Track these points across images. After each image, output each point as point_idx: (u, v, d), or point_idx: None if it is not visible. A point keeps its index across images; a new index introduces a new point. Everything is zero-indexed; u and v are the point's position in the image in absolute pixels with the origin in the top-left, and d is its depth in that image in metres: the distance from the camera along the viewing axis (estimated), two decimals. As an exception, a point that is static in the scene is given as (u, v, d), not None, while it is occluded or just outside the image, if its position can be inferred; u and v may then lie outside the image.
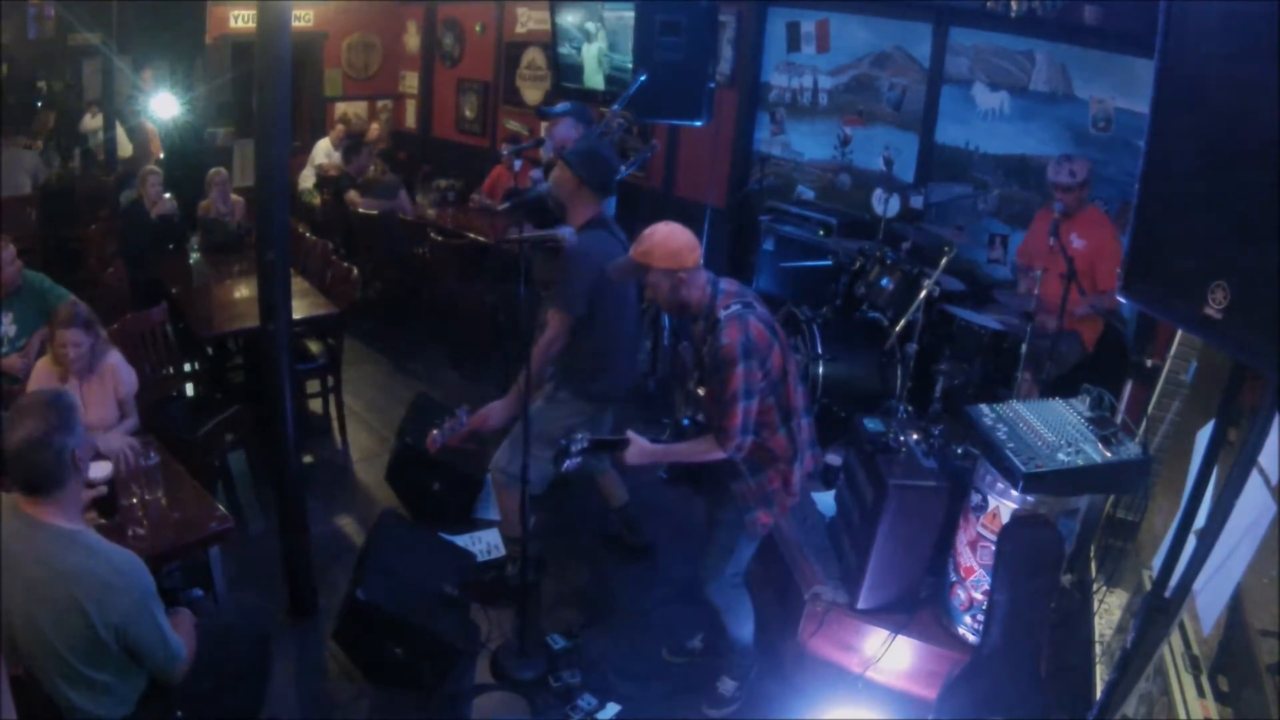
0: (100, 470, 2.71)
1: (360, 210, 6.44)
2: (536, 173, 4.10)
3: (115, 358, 3.43)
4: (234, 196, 5.82)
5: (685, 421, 2.84)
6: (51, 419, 1.99)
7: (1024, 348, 3.59)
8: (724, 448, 2.60)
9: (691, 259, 2.60)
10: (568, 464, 2.66)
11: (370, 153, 7.22)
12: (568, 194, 3.24)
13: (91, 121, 7.85)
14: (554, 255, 3.23)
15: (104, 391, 3.32)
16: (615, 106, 4.37)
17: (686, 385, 2.85)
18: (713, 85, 4.90)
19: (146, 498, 2.85)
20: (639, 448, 2.67)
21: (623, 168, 4.52)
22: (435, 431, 3.12)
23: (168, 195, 5.66)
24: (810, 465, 2.85)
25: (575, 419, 3.32)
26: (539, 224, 3.50)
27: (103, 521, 2.70)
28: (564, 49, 6.42)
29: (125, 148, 7.73)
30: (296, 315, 4.20)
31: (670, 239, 2.60)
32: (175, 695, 2.30)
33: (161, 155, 7.35)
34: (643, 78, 4.42)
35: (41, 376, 3.25)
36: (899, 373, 4.03)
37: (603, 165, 3.27)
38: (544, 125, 7.61)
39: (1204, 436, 2.08)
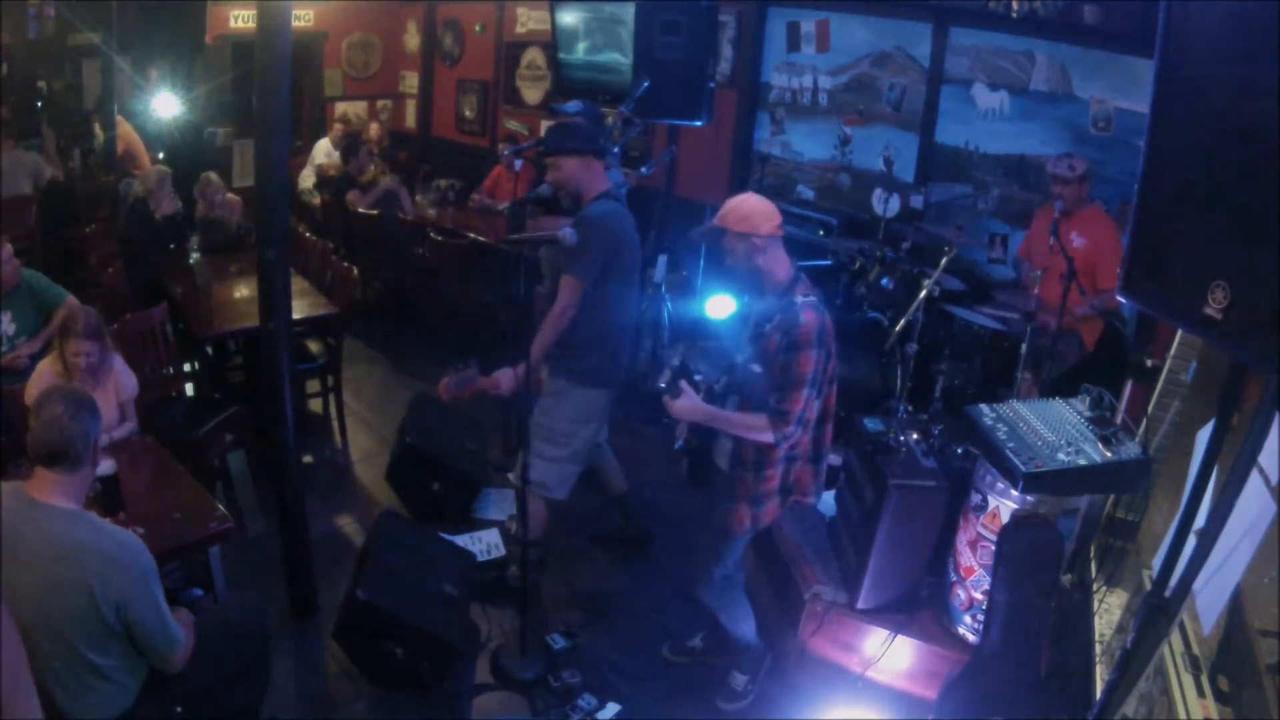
0: (103, 467, 2.72)
1: (360, 210, 6.44)
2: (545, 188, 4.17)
3: (116, 362, 3.45)
4: (230, 196, 5.80)
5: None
6: (85, 404, 2.13)
7: (1024, 348, 3.59)
8: (776, 430, 2.58)
9: (767, 227, 2.61)
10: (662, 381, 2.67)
11: (369, 152, 7.22)
12: (582, 177, 3.21)
13: (98, 132, 7.86)
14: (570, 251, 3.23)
15: (107, 396, 3.33)
16: (623, 108, 4.37)
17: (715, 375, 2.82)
18: (713, 85, 4.90)
19: None
20: (690, 402, 2.62)
21: (642, 169, 4.53)
22: (447, 379, 3.15)
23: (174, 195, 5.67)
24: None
25: (583, 408, 3.29)
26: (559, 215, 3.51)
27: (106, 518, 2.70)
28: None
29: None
30: (296, 315, 4.20)
31: (745, 203, 2.64)
32: (175, 691, 2.30)
33: (162, 155, 7.34)
34: (645, 84, 4.41)
35: (45, 379, 3.25)
36: (899, 373, 4.02)
37: (586, 129, 3.28)
38: (544, 125, 7.63)
39: (1204, 436, 2.08)
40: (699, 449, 2.88)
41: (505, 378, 3.18)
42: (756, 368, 2.62)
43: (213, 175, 5.86)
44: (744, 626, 3.06)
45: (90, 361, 3.25)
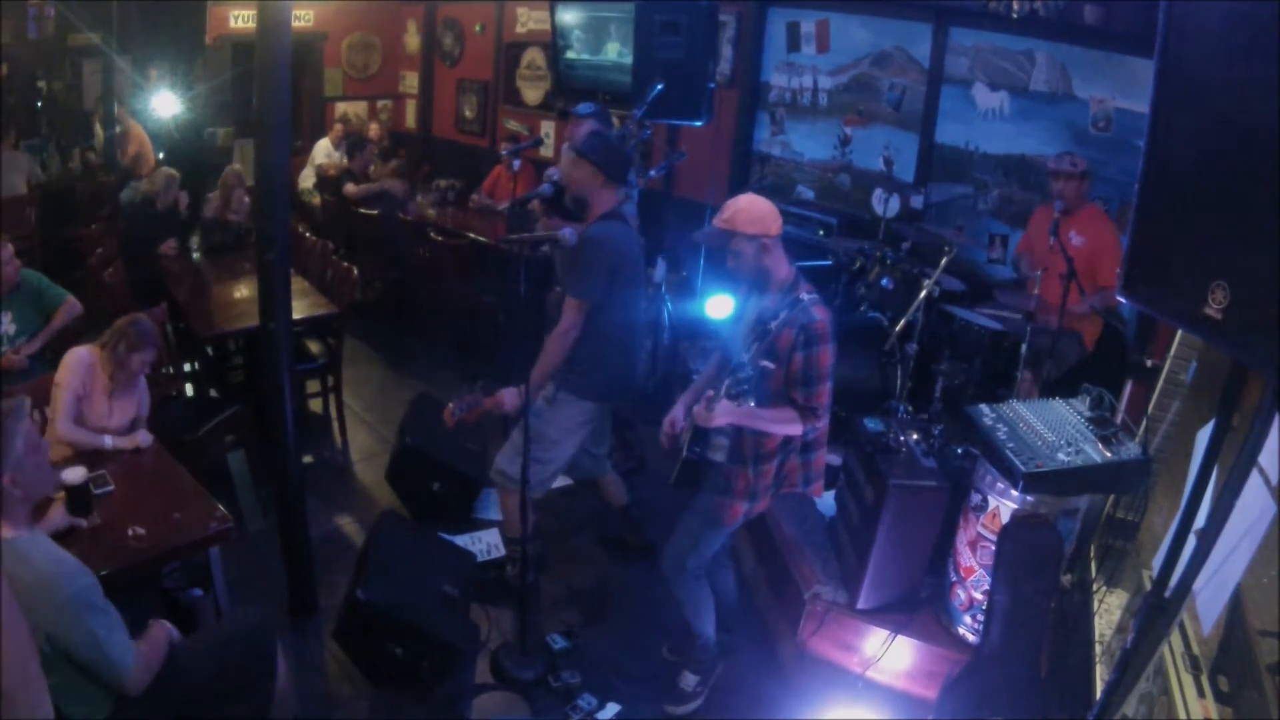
0: (74, 475, 2.72)
1: (359, 206, 6.44)
2: (554, 171, 4.12)
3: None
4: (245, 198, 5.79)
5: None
6: None
7: (1024, 348, 3.59)
8: (807, 423, 2.64)
9: (775, 227, 2.64)
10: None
11: (372, 151, 7.24)
12: (592, 189, 3.21)
13: (99, 132, 7.88)
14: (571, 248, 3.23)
15: (130, 403, 3.36)
16: (636, 112, 4.37)
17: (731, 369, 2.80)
18: (713, 85, 4.89)
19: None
20: (724, 406, 2.56)
21: (650, 171, 4.53)
22: (452, 404, 3.16)
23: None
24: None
25: (577, 419, 3.31)
26: (563, 218, 3.50)
27: (83, 523, 2.69)
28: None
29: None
30: (296, 315, 4.20)
31: (755, 205, 2.65)
32: (166, 701, 2.29)
33: (162, 155, 7.35)
34: (660, 86, 4.40)
35: (81, 365, 3.26)
36: (899, 373, 4.02)
37: (620, 154, 3.29)
38: (544, 125, 7.64)
39: (1204, 436, 2.08)
40: (700, 454, 2.87)
41: (509, 397, 3.18)
42: (768, 364, 2.63)
43: (239, 169, 5.85)
44: (706, 622, 3.06)
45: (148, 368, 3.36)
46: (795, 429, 2.66)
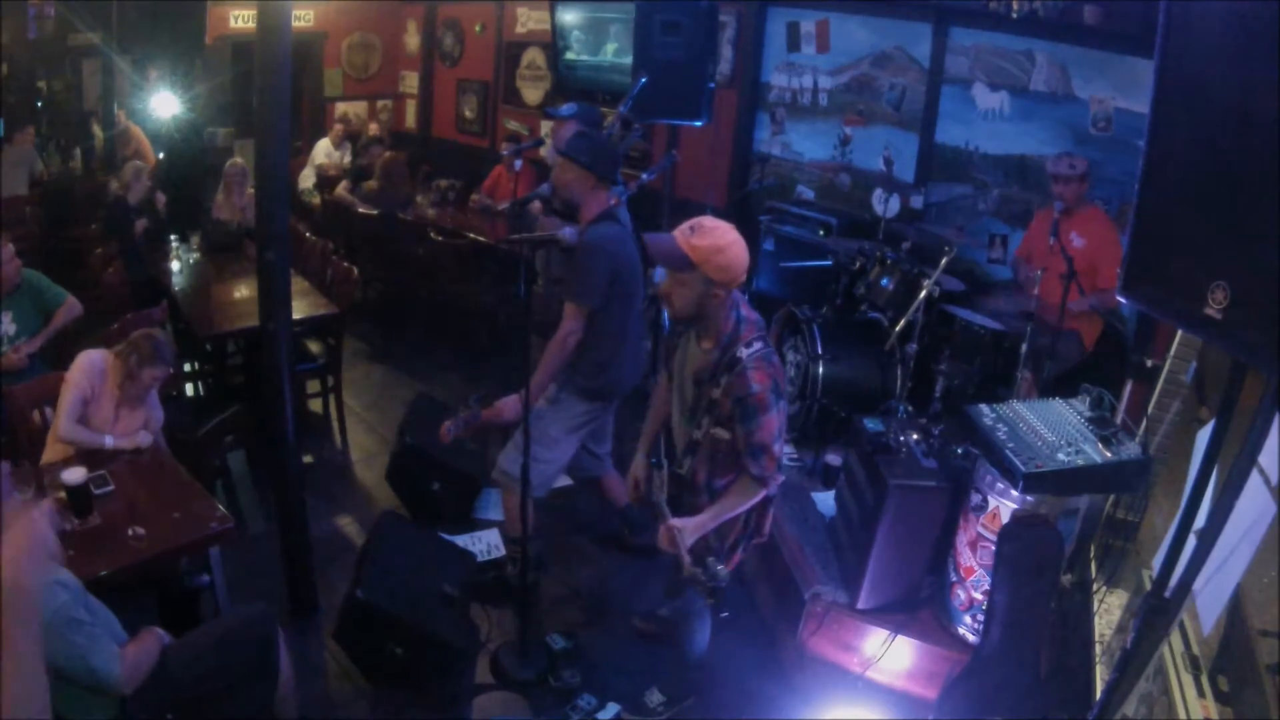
0: (74, 475, 2.72)
1: (361, 210, 6.45)
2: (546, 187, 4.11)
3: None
4: (249, 192, 5.77)
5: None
6: None
7: (1024, 348, 3.59)
8: (766, 488, 2.43)
9: (737, 283, 2.37)
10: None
11: (377, 152, 7.29)
12: (582, 191, 3.18)
13: (98, 132, 7.90)
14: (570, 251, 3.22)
15: (142, 406, 3.37)
16: (621, 107, 4.36)
17: (689, 430, 2.53)
18: (713, 85, 4.90)
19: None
20: (691, 525, 2.38)
21: (643, 175, 4.54)
22: (449, 423, 3.13)
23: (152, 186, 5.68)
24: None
25: (578, 419, 3.32)
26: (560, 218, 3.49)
27: (77, 523, 2.70)
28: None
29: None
30: (296, 315, 4.20)
31: (732, 249, 2.31)
32: (166, 697, 2.30)
33: (161, 156, 7.36)
34: (644, 80, 4.40)
35: (93, 368, 3.26)
36: (899, 373, 4.03)
37: (609, 153, 3.26)
38: (544, 125, 7.64)
39: (1204, 436, 2.08)
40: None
41: (508, 406, 3.14)
42: (723, 433, 2.43)
43: (240, 161, 5.85)
44: (700, 641, 2.96)
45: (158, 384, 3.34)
46: (759, 498, 2.45)
